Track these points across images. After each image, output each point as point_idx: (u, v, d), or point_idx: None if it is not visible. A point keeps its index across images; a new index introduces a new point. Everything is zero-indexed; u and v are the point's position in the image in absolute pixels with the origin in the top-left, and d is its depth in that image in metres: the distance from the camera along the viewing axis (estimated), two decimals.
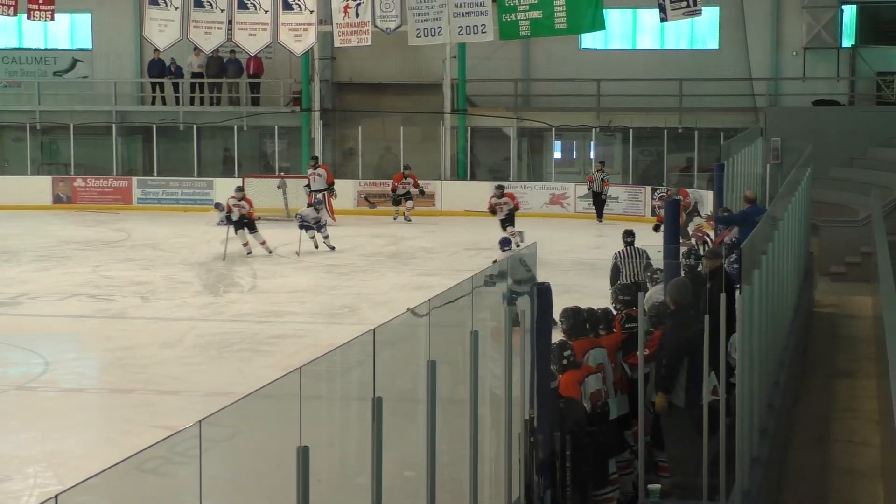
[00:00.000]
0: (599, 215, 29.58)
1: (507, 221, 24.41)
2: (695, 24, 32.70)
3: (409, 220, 29.57)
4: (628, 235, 19.08)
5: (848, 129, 30.10)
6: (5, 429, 14.05)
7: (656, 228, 22.37)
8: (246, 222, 24.37)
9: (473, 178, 34.26)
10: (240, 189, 25.05)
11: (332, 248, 24.10)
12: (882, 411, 12.49)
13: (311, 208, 24.13)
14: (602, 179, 30.83)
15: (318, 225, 23.76)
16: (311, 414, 4.93)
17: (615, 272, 16.79)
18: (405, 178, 29.56)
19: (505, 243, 18.96)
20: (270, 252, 24.15)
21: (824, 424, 13.80)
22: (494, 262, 16.02)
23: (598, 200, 30.43)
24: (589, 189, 30.93)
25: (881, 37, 33.95)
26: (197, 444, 3.97)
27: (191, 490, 4.00)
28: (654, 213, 28.17)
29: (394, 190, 29.76)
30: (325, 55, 34.21)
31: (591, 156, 34.63)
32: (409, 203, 29.96)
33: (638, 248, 17.46)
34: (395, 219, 30.12)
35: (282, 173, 32.85)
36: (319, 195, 25.39)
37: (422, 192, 30.46)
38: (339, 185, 31.38)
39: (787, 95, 33.96)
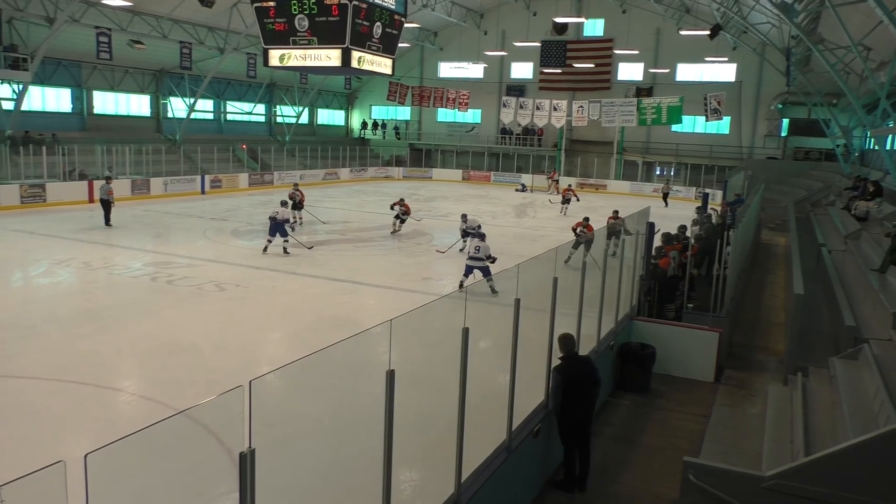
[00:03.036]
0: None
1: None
2: (720, 123, 32.85)
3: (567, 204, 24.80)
4: (616, 215, 14.90)
5: (781, 169, 30.75)
6: (390, 258, 14.57)
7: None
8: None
9: (623, 179, 34.48)
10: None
11: (461, 251, 15.23)
12: (786, 284, 12.51)
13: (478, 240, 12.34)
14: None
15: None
16: (522, 269, 4.38)
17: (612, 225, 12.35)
18: (570, 189, 25.54)
19: (469, 271, 11.63)
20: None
21: (761, 286, 13.61)
22: (461, 284, 11.34)
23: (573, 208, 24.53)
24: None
25: (799, 132, 33.65)
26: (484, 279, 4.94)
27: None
28: (700, 198, 25.10)
29: (565, 193, 25.12)
30: (568, 127, 34.67)
31: (672, 173, 34.03)
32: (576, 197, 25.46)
33: (622, 218, 12.40)
34: (560, 210, 24.74)
35: (549, 173, 33.85)
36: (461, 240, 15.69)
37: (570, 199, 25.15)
38: (566, 178, 32.71)
39: (757, 154, 33.84)
